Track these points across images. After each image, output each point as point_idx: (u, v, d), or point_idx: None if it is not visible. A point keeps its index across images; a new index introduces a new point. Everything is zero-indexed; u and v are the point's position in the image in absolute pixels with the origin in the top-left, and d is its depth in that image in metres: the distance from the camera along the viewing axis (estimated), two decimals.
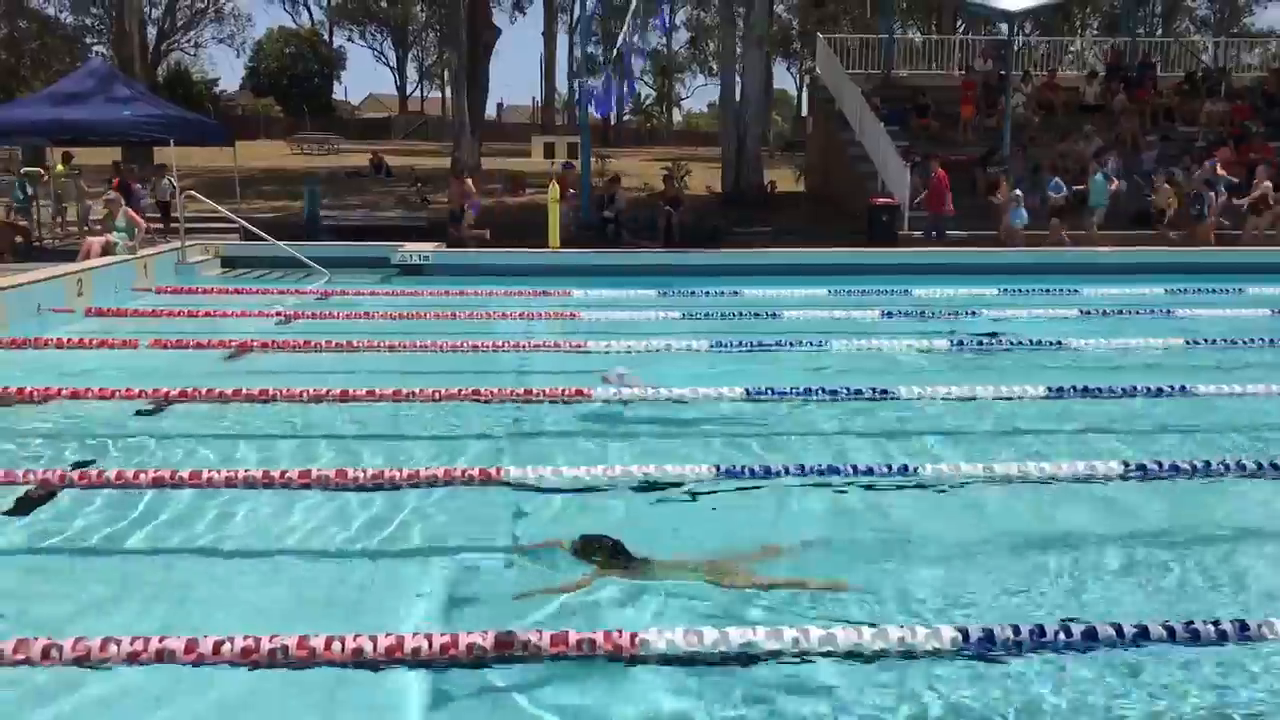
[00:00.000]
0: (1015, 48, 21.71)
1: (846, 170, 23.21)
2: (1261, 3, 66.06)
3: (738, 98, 25.04)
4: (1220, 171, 20.14)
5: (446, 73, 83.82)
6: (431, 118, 74.89)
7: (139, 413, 8.10)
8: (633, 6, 19.88)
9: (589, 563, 5.15)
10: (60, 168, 21.83)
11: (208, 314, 11.95)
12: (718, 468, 6.38)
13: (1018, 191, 18.69)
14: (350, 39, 78.67)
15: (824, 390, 8.25)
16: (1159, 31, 33.07)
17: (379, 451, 7.11)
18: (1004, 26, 24.38)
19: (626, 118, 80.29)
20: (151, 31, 68.22)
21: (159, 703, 3.97)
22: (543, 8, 69.16)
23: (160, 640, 4.11)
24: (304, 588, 5.08)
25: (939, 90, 25.02)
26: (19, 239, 17.62)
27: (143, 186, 20.30)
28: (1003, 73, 23.81)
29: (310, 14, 77.11)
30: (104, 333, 10.57)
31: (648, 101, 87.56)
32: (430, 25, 78.54)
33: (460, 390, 8.03)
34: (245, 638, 4.09)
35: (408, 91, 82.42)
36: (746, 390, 8.15)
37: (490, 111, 79.11)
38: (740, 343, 10.43)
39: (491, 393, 8.23)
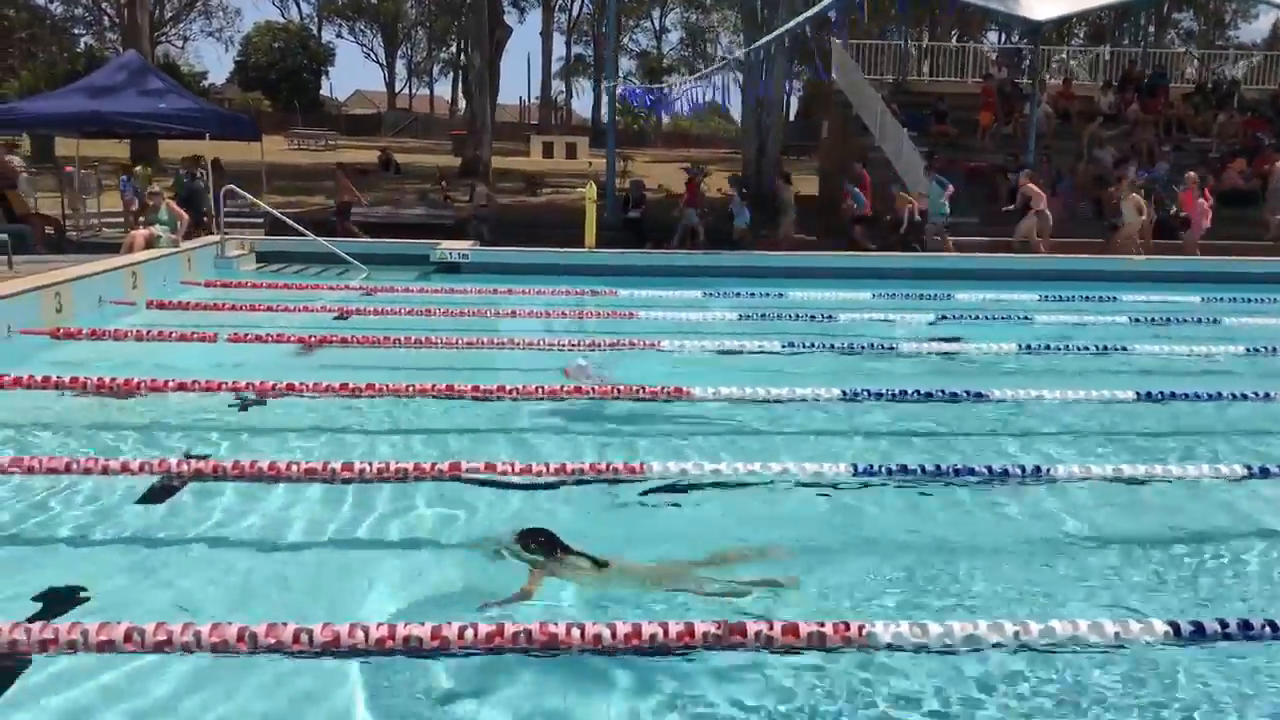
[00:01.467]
0: (1034, 56, 21.80)
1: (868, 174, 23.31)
2: (1247, 17, 66.64)
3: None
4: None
5: (434, 69, 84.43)
6: (422, 115, 74.82)
7: (233, 405, 8.16)
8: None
9: (527, 558, 5.14)
10: (141, 169, 21.58)
11: (270, 308, 11.93)
12: (855, 467, 6.47)
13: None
14: (340, 34, 78.32)
15: (919, 392, 8.35)
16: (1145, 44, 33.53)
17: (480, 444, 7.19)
18: (1011, 34, 24.60)
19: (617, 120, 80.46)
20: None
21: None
22: (541, 8, 69.34)
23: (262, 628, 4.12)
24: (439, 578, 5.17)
25: (953, 97, 25.25)
26: (49, 230, 17.50)
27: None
28: (1016, 81, 24.12)
29: (299, 9, 76.77)
30: (178, 325, 10.51)
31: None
32: (420, 22, 78.45)
33: (562, 387, 8.14)
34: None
35: (396, 88, 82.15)
36: (842, 392, 8.26)
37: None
38: (811, 344, 10.52)
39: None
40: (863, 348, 10.59)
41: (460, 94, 79.56)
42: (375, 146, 46.82)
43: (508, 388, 8.07)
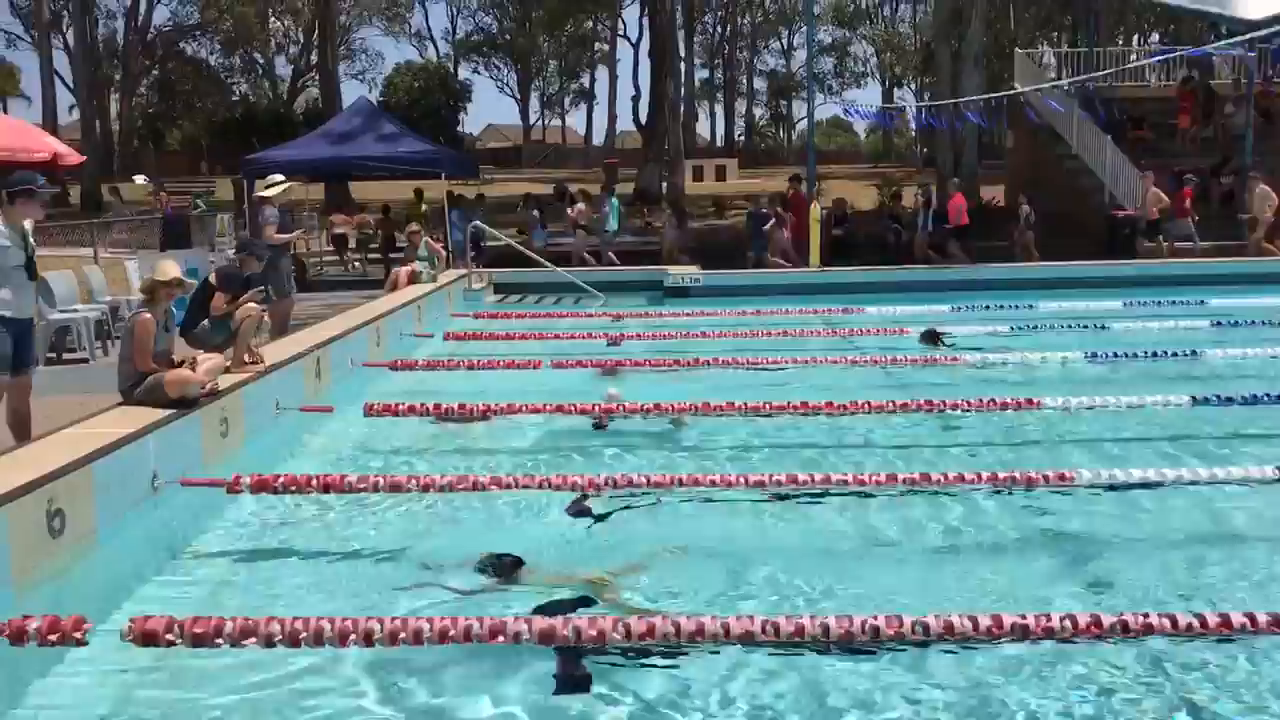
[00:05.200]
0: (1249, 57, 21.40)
1: (1061, 184, 23.14)
2: None
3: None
4: None
5: (565, 100, 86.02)
6: (560, 146, 76.27)
7: (595, 426, 8.63)
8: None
9: (489, 577, 5.23)
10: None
11: (557, 336, 12.46)
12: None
13: None
14: (476, 70, 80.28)
15: (1270, 395, 8.35)
16: None
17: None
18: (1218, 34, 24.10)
19: (740, 138, 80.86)
20: (288, 69, 70.81)
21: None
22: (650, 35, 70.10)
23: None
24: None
25: (1145, 103, 24.85)
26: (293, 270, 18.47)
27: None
28: (1211, 83, 23.63)
29: (436, 48, 78.94)
30: (485, 354, 11.06)
31: (761, 122, 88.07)
32: (553, 56, 79.96)
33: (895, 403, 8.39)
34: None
35: (530, 120, 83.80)
36: (1193, 397, 8.33)
37: (598, 138, 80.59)
38: (1115, 353, 10.52)
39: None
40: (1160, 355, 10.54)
41: (590, 123, 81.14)
42: (521, 179, 47.93)
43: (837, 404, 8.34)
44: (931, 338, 11.68)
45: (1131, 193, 19.93)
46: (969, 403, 8.35)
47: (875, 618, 4.26)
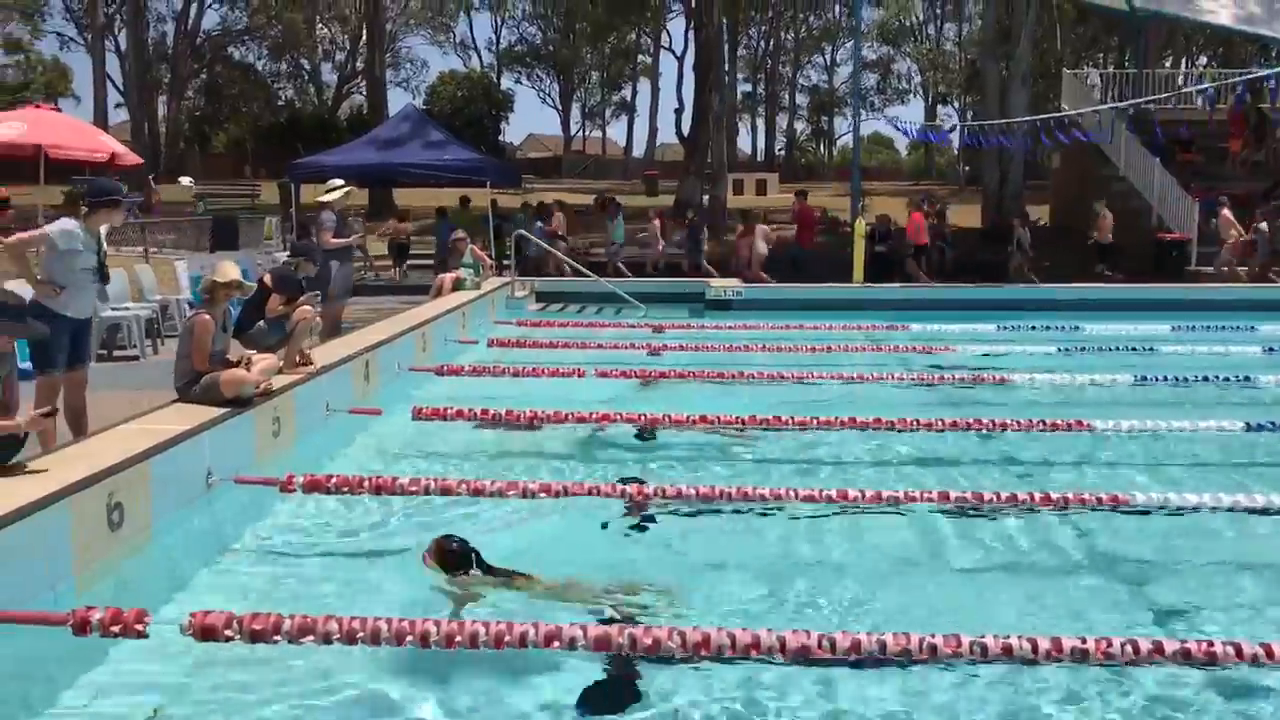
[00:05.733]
0: None
1: (1108, 206, 22.88)
2: None
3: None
4: None
5: (606, 112, 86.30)
6: (600, 157, 76.54)
7: (640, 436, 8.63)
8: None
9: (448, 572, 5.16)
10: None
11: (599, 346, 12.49)
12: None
13: None
14: (518, 81, 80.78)
15: None
16: None
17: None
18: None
19: (780, 152, 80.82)
20: (333, 75, 71.51)
21: None
22: (695, 48, 70.24)
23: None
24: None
25: (1195, 125, 24.58)
26: None
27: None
28: (1261, 106, 23.31)
29: (480, 58, 79.50)
30: (528, 361, 11.09)
31: (802, 137, 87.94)
32: (595, 67, 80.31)
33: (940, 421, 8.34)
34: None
35: (571, 131, 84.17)
36: (1246, 424, 8.22)
37: (638, 149, 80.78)
38: (1163, 377, 10.40)
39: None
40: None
41: (630, 134, 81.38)
42: (561, 189, 48.08)
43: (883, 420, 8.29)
44: None
45: (1179, 216, 19.74)
46: (1019, 422, 8.29)
47: (933, 636, 4.23)
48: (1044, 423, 8.29)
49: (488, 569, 5.18)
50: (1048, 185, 32.89)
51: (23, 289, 6.93)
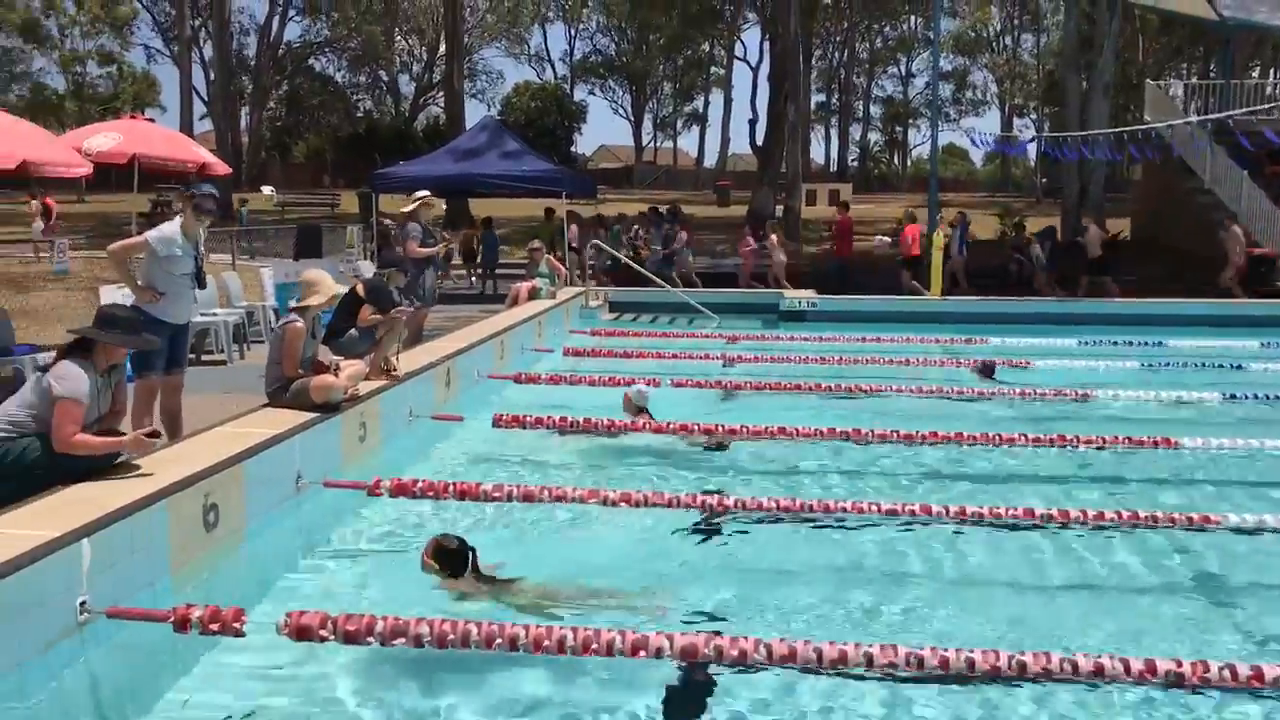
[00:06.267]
0: None
1: (1192, 219, 22.44)
2: None
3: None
4: None
5: (678, 122, 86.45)
6: (671, 167, 76.68)
7: (714, 447, 8.64)
8: None
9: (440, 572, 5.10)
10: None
11: (674, 356, 12.52)
12: None
13: None
14: (591, 92, 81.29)
15: None
16: None
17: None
18: None
19: (854, 163, 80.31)
20: (410, 86, 72.61)
21: None
22: (770, 59, 70.08)
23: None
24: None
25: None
26: None
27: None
28: None
29: (554, 69, 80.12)
30: (607, 371, 11.10)
31: (875, 148, 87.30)
32: (667, 78, 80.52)
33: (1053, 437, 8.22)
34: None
35: (643, 142, 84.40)
36: None
37: (709, 160, 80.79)
38: (1252, 394, 10.14)
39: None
40: None
41: (701, 146, 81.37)
42: (633, 199, 48.26)
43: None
44: (987, 371, 11.43)
45: (1270, 230, 19.24)
46: (1104, 439, 8.16)
47: (1022, 654, 4.19)
48: (1129, 439, 8.15)
49: (480, 575, 5.22)
50: (1128, 197, 32.29)
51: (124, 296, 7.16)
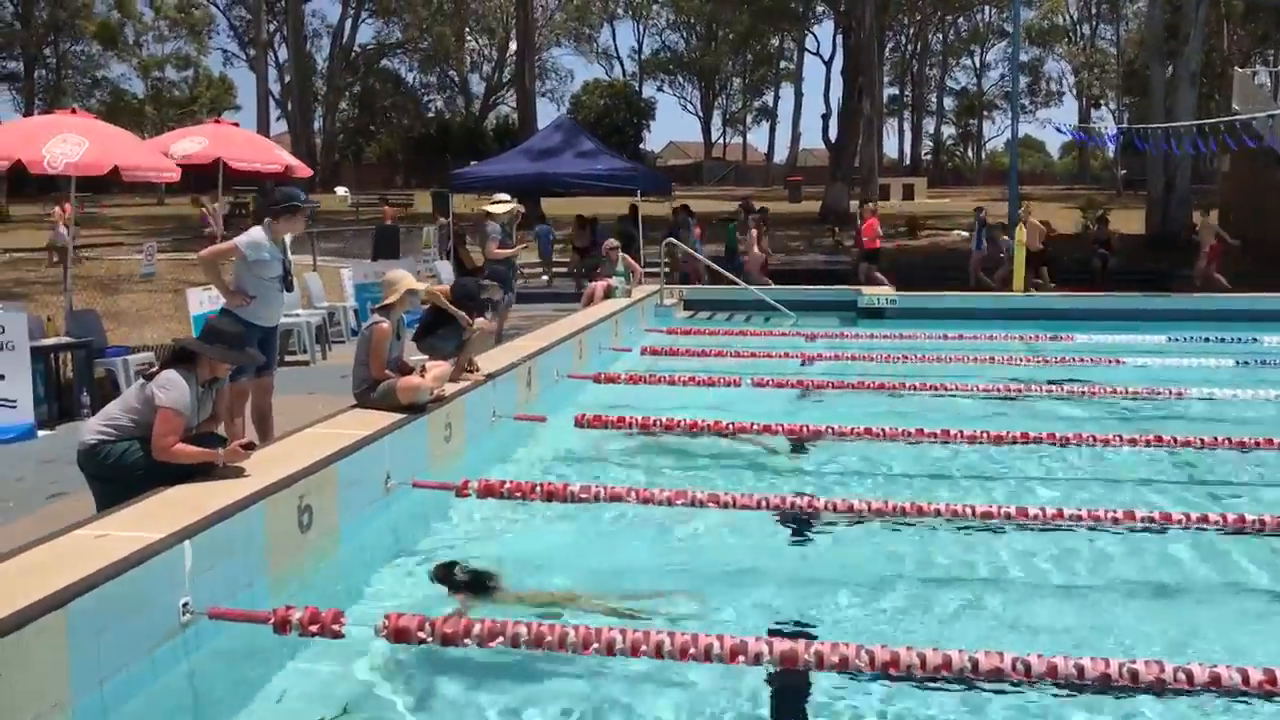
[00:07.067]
0: None
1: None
2: None
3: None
4: None
5: (748, 118, 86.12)
6: (740, 163, 76.40)
7: (796, 447, 8.56)
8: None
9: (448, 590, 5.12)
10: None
11: (752, 354, 12.44)
12: None
13: None
14: (660, 89, 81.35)
15: None
16: None
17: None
18: None
19: (927, 156, 79.33)
20: (481, 86, 73.23)
21: None
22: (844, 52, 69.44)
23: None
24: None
25: None
26: None
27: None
28: None
29: (623, 67, 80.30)
30: (685, 370, 11.09)
31: (949, 141, 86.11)
32: (736, 73, 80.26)
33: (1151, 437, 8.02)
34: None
35: (712, 138, 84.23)
36: None
37: (779, 155, 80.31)
38: None
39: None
40: None
41: (771, 140, 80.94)
42: (704, 195, 48.17)
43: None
44: None
45: None
46: (1201, 440, 7.92)
47: (1133, 662, 4.06)
48: (1228, 440, 7.91)
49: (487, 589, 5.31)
50: (1215, 190, 31.40)
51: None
